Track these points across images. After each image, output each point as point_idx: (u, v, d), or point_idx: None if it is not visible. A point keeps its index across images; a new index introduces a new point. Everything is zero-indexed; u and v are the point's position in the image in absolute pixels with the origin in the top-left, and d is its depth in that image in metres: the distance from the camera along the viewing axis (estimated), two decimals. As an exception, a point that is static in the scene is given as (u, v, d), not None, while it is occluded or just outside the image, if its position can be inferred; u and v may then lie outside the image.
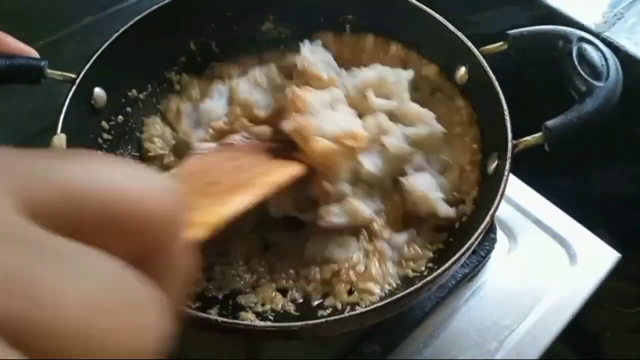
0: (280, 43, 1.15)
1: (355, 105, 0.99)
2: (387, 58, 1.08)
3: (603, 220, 1.15)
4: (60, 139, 0.86)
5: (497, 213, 0.83)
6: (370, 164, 0.92)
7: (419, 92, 1.06)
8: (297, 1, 1.12)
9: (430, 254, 0.92)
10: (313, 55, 1.02)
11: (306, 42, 1.04)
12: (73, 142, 0.88)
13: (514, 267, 1.07)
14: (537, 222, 1.12)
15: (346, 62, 1.07)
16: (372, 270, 0.89)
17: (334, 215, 0.89)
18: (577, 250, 1.08)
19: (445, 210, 0.92)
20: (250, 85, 1.04)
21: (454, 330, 0.99)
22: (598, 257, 1.08)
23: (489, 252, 1.03)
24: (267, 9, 1.13)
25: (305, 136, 0.87)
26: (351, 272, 0.89)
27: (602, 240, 1.09)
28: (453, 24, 1.00)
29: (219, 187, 0.72)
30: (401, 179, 0.94)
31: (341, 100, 0.97)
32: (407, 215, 0.95)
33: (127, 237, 0.28)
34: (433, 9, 1.02)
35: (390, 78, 0.99)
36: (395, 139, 0.94)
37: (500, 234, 1.08)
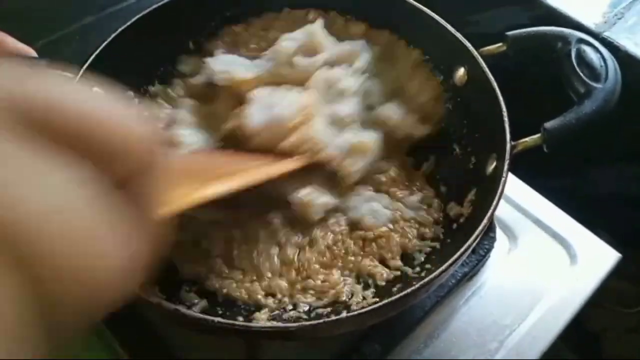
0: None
1: (294, 78, 0.99)
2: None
3: (603, 220, 1.15)
4: None
5: (497, 213, 0.83)
6: (345, 109, 0.96)
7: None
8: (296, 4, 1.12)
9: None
10: (224, 66, 1.02)
11: (208, 59, 1.04)
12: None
13: (514, 267, 1.07)
14: (537, 222, 1.12)
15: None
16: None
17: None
18: (577, 250, 1.08)
19: (423, 129, 1.00)
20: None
21: (454, 330, 0.99)
22: (598, 257, 1.08)
23: (489, 251, 1.03)
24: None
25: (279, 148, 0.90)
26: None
27: (602, 240, 1.09)
28: (453, 24, 1.00)
29: (205, 174, 0.75)
30: (375, 112, 1.01)
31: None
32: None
33: (104, 156, 0.31)
34: (432, 9, 1.02)
35: (305, 36, 1.02)
36: (347, 80, 0.98)
37: (500, 234, 1.08)
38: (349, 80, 0.98)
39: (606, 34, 1.17)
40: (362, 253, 0.93)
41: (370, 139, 0.96)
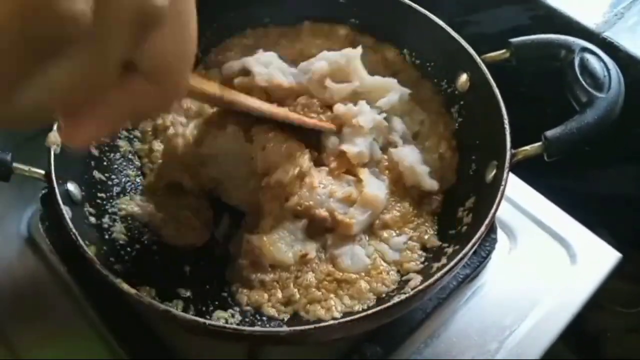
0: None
1: (320, 98, 1.01)
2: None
3: (603, 220, 1.15)
4: (56, 135, 0.86)
5: (498, 213, 0.84)
6: (354, 149, 0.96)
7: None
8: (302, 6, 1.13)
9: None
10: (266, 69, 1.02)
11: (248, 58, 1.04)
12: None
13: (514, 267, 1.07)
14: (538, 222, 1.12)
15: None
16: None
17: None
18: (577, 250, 1.08)
19: (431, 184, 0.98)
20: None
21: (454, 331, 0.99)
22: (598, 257, 1.08)
23: (490, 252, 1.03)
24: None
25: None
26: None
27: (602, 240, 1.09)
28: (453, 24, 1.01)
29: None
30: (391, 149, 1.00)
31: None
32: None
33: None
34: (433, 9, 1.03)
35: (342, 61, 1.02)
36: (365, 116, 0.98)
37: (500, 234, 1.08)
38: (366, 118, 0.98)
39: (606, 34, 1.16)
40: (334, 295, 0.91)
41: (378, 192, 0.95)
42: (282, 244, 0.91)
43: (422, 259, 0.94)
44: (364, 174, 0.97)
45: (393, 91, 1.02)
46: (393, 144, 1.01)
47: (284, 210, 0.93)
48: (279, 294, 0.89)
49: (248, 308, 0.89)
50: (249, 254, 0.91)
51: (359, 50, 1.03)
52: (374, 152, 0.99)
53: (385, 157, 1.00)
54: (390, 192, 0.98)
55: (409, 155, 0.99)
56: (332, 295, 0.89)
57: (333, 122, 0.99)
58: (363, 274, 0.91)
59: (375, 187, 0.96)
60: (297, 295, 0.89)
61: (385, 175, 0.99)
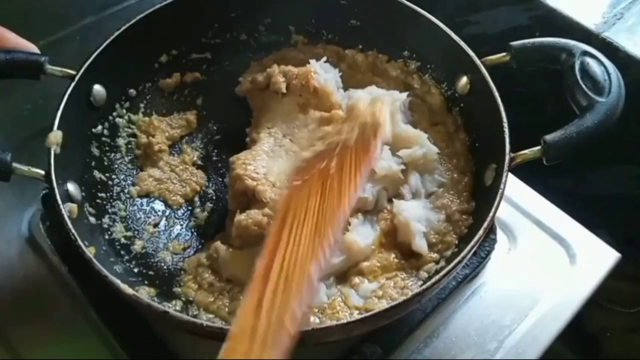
0: (278, 46, 1.16)
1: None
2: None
3: (603, 220, 1.15)
4: (56, 135, 0.86)
5: (497, 213, 0.84)
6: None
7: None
8: (304, 6, 1.13)
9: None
10: (326, 74, 1.04)
11: (314, 61, 1.06)
12: (69, 139, 0.88)
13: (514, 267, 1.07)
14: (537, 222, 1.12)
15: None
16: None
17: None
18: (577, 250, 1.08)
19: (420, 245, 0.93)
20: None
21: (453, 330, 0.99)
22: (598, 257, 1.07)
23: (490, 252, 1.03)
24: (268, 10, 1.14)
25: None
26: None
27: (602, 240, 1.09)
28: (453, 24, 1.01)
29: None
30: (395, 200, 0.97)
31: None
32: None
33: None
34: (433, 10, 1.03)
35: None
36: (382, 162, 0.96)
37: (500, 234, 1.08)
38: (382, 165, 0.97)
39: (606, 34, 1.16)
40: None
41: (359, 240, 0.92)
42: (244, 262, 0.90)
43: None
44: (355, 219, 0.94)
45: (419, 145, 1.00)
46: (401, 195, 0.99)
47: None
48: (226, 302, 0.90)
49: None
50: (211, 258, 0.92)
51: (404, 95, 1.03)
52: (379, 202, 0.98)
53: (389, 207, 0.98)
54: (378, 244, 0.95)
55: (410, 210, 0.96)
56: None
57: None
58: (316, 310, 0.89)
59: (361, 236, 0.93)
60: None
61: (379, 226, 0.96)
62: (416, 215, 0.95)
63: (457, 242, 0.93)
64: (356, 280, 0.91)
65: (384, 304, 0.88)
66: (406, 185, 0.99)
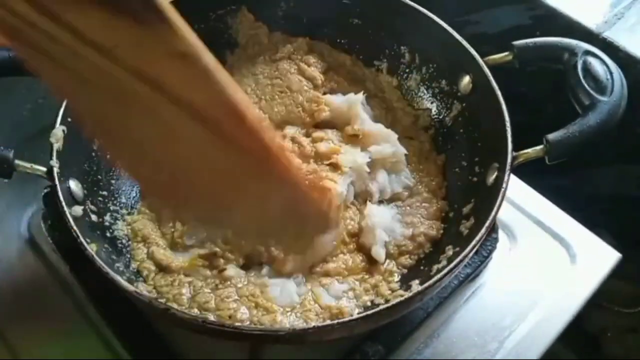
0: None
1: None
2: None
3: (603, 220, 1.15)
4: (59, 132, 0.86)
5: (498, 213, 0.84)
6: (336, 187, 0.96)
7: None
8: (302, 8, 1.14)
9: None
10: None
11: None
12: (71, 137, 0.88)
13: (514, 267, 1.07)
14: (538, 222, 1.12)
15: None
16: None
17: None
18: (577, 250, 1.08)
19: (378, 253, 0.94)
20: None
21: (454, 331, 0.99)
22: (598, 257, 1.08)
23: (491, 252, 1.04)
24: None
25: None
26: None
27: (602, 240, 1.09)
28: (453, 24, 1.01)
29: None
30: (368, 202, 0.99)
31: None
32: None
33: None
34: (434, 9, 1.03)
35: (344, 106, 1.05)
36: (346, 155, 0.99)
37: (500, 234, 1.08)
38: (347, 157, 1.00)
39: (606, 34, 1.17)
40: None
41: (326, 235, 0.92)
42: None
43: (366, 306, 0.90)
44: None
45: (389, 144, 1.02)
46: (369, 194, 1.00)
47: None
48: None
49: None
50: None
51: (360, 95, 1.06)
52: (347, 197, 0.99)
53: (357, 205, 0.99)
54: (341, 242, 0.96)
55: (379, 217, 0.97)
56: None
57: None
58: (288, 309, 0.89)
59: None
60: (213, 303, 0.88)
61: (344, 224, 0.97)
62: (384, 223, 0.96)
63: (406, 268, 0.94)
64: (325, 280, 0.92)
65: (352, 305, 0.89)
66: (374, 182, 1.00)
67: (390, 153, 1.02)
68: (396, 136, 1.03)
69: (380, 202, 1.01)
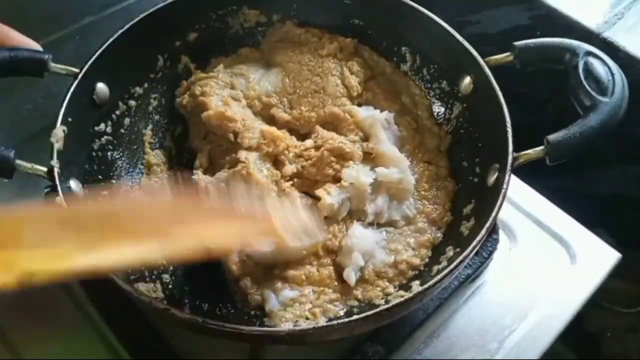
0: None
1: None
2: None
3: (603, 220, 1.15)
4: (59, 132, 0.86)
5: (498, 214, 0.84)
6: (329, 198, 0.94)
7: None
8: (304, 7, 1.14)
9: None
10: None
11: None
12: (72, 137, 0.88)
13: (514, 267, 1.07)
14: (538, 222, 1.12)
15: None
16: None
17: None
18: (577, 250, 1.08)
19: (349, 276, 0.91)
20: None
21: (454, 330, 0.99)
22: (598, 257, 1.08)
23: (492, 252, 1.04)
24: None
25: None
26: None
27: (602, 240, 1.10)
28: (453, 24, 1.01)
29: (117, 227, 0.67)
30: (355, 221, 0.96)
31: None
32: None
33: None
34: (433, 9, 1.03)
35: (367, 122, 1.03)
36: (349, 171, 0.96)
37: (500, 234, 1.08)
38: (350, 173, 0.97)
39: (606, 34, 1.17)
40: None
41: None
42: None
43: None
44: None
45: (398, 170, 0.98)
46: (364, 213, 0.96)
47: None
48: None
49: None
50: None
51: (385, 114, 1.04)
52: (339, 211, 0.96)
53: (347, 221, 0.96)
54: (313, 253, 0.93)
55: (361, 240, 0.93)
56: None
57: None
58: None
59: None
60: None
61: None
62: (364, 248, 0.93)
63: (385, 296, 0.91)
64: (279, 284, 0.90)
65: (292, 317, 0.87)
66: (373, 204, 0.96)
67: (396, 179, 0.97)
68: (407, 163, 1.00)
69: (371, 224, 0.97)
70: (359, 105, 1.08)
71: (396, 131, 1.06)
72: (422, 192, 1.02)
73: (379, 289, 0.91)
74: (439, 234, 0.97)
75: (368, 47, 1.14)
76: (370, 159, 1.01)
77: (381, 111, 1.05)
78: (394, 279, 0.93)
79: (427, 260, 0.94)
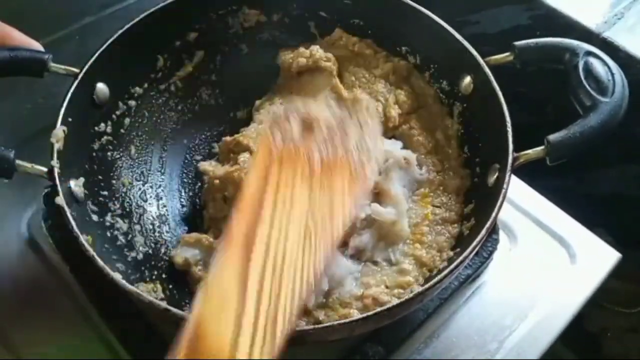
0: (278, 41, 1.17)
1: None
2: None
3: (603, 220, 1.15)
4: (60, 132, 0.86)
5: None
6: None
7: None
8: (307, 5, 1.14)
9: None
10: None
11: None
12: (72, 137, 0.88)
13: (514, 267, 1.07)
14: (538, 222, 1.12)
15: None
16: None
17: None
18: (577, 250, 1.08)
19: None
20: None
21: (454, 331, 0.99)
22: (598, 257, 1.08)
23: (492, 252, 1.04)
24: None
25: None
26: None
27: (602, 240, 1.09)
28: (453, 24, 1.01)
29: None
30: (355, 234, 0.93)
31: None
32: None
33: None
34: (433, 9, 1.03)
35: (387, 157, 0.99)
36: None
37: (500, 234, 1.08)
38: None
39: (606, 34, 1.17)
40: None
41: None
42: None
43: None
44: None
45: (394, 213, 0.95)
46: (345, 246, 0.93)
47: None
48: None
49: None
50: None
51: (409, 153, 1.01)
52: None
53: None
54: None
55: (333, 264, 0.89)
56: None
57: None
58: None
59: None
60: None
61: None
62: (334, 273, 0.89)
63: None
64: None
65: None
66: (357, 238, 0.93)
67: (389, 220, 0.93)
68: (406, 207, 0.96)
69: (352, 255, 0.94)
70: (393, 137, 1.06)
71: (415, 172, 1.01)
72: (418, 235, 0.96)
73: (341, 314, 0.87)
74: (419, 281, 0.91)
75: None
76: (373, 193, 0.97)
77: (413, 149, 1.03)
78: (362, 311, 0.87)
79: (398, 300, 0.83)
